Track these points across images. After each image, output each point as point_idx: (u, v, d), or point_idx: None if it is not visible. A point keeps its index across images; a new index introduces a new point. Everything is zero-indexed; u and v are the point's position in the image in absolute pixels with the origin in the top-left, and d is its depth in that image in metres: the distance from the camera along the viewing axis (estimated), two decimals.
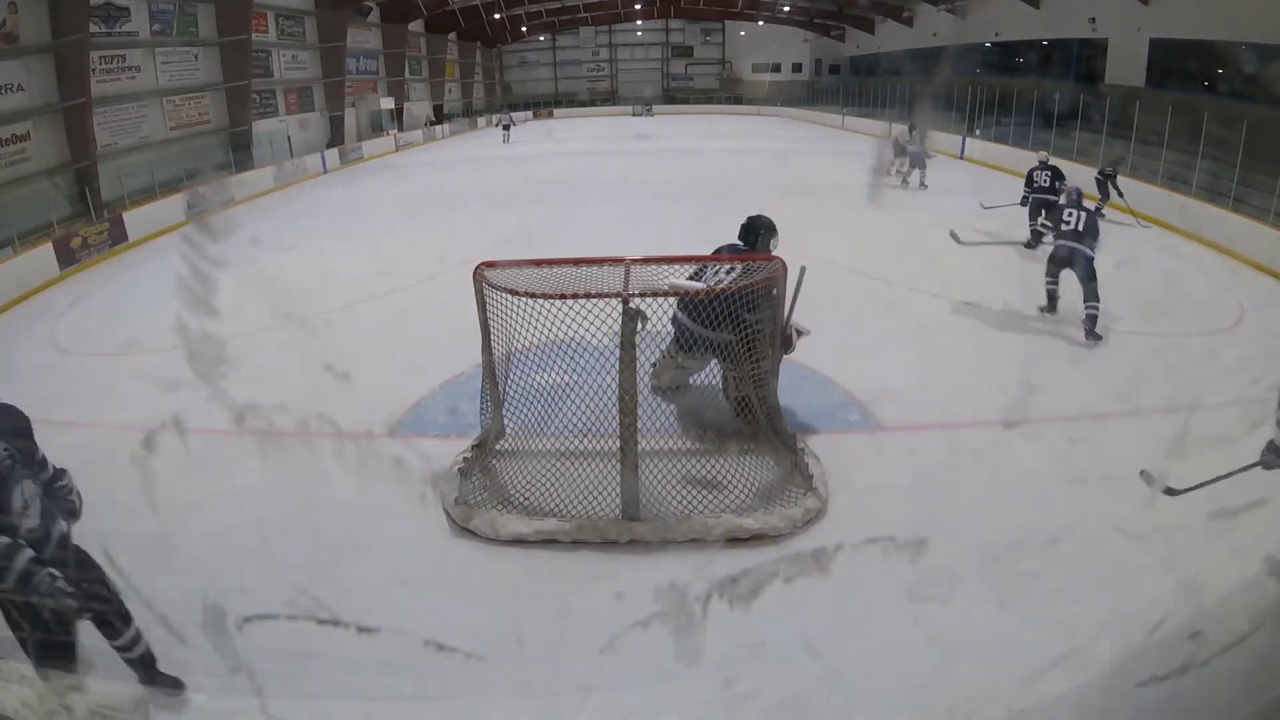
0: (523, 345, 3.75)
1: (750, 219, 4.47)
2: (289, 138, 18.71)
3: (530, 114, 34.28)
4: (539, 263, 3.93)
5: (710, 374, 4.46)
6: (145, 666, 2.47)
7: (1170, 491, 3.57)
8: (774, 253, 4.14)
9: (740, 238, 4.44)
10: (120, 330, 6.80)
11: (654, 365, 4.27)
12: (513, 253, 4.46)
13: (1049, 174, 8.63)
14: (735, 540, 3.36)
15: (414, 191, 14.78)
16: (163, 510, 3.42)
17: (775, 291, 3.88)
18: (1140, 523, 3.33)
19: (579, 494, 3.57)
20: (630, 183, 14.09)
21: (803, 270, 4.07)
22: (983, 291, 6.79)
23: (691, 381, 4.57)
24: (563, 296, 3.58)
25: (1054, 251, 6.06)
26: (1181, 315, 6.36)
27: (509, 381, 4.01)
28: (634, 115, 33.65)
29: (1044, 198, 8.34)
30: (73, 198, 11.71)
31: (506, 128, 25.33)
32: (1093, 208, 6.39)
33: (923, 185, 12.30)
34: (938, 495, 3.70)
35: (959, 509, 3.53)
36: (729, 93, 35.74)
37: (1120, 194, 10.07)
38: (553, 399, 3.90)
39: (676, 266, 3.97)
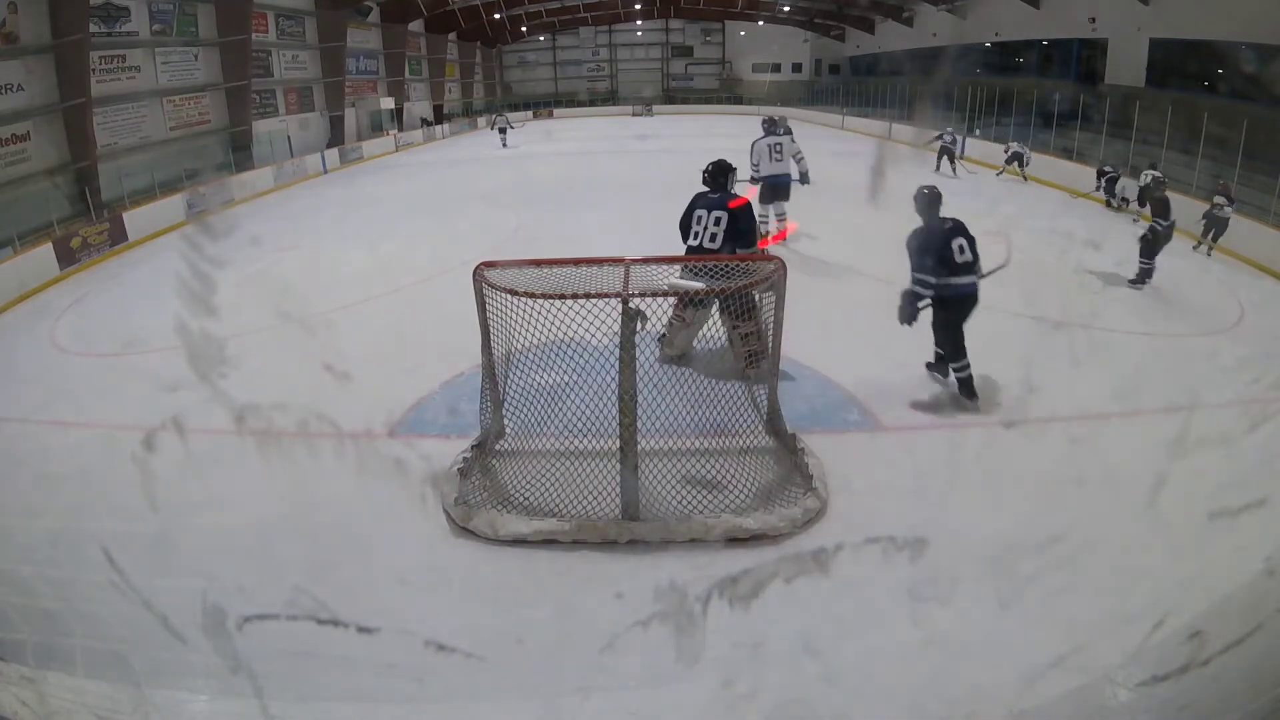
0: (522, 345, 3.75)
1: (714, 164, 4.96)
2: (289, 138, 18.71)
3: (530, 114, 34.25)
4: (539, 263, 3.94)
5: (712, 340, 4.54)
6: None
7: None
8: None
9: (709, 183, 4.93)
10: (120, 330, 6.80)
11: (661, 338, 4.43)
12: (512, 253, 4.47)
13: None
14: (735, 540, 3.36)
15: (414, 191, 14.78)
16: (163, 510, 3.42)
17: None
18: (1140, 522, 3.33)
19: (579, 494, 3.57)
20: (630, 183, 14.09)
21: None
22: (983, 291, 6.78)
23: (695, 346, 4.90)
24: (562, 296, 3.58)
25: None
26: (1181, 315, 6.37)
27: (509, 381, 4.01)
28: (634, 115, 33.62)
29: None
30: (73, 198, 11.72)
31: (503, 130, 22.73)
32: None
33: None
34: (938, 495, 3.70)
35: (959, 509, 3.53)
36: (729, 93, 35.72)
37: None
38: (552, 399, 3.90)
39: (676, 266, 3.98)
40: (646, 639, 2.52)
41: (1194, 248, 8.85)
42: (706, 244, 4.66)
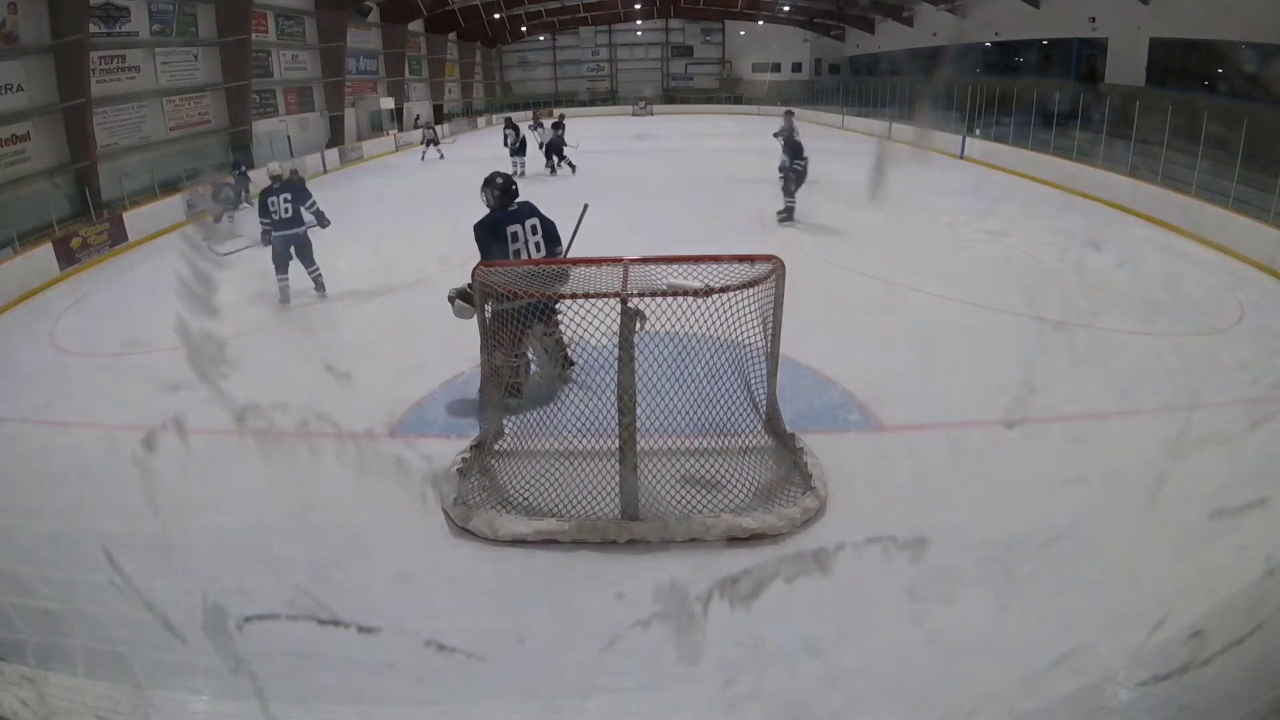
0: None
1: (503, 179, 4.66)
2: (289, 138, 18.70)
3: (530, 113, 34.25)
4: (538, 262, 3.94)
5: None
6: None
7: None
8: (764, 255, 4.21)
9: (501, 200, 4.61)
10: (120, 330, 6.80)
11: (508, 391, 4.32)
12: None
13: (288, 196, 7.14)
14: (735, 540, 3.36)
15: (414, 191, 14.79)
16: (163, 510, 3.42)
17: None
18: (1140, 522, 3.33)
19: (578, 494, 3.57)
20: (630, 182, 14.09)
21: (585, 207, 4.84)
22: (983, 291, 6.80)
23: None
24: (561, 297, 3.59)
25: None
26: (1181, 315, 6.37)
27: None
28: (634, 115, 33.60)
29: (285, 233, 7.12)
30: (73, 198, 11.71)
31: (431, 143, 19.82)
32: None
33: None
34: (938, 495, 3.71)
35: (959, 509, 3.53)
36: (729, 92, 35.70)
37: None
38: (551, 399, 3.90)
39: (675, 266, 3.97)
40: (647, 639, 2.52)
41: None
42: (534, 254, 4.53)
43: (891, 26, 26.14)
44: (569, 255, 4.64)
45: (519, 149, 15.16)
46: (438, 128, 22.21)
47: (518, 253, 4.49)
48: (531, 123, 16.18)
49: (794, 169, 9.40)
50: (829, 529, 3.47)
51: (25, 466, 4.43)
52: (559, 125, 16.09)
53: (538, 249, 4.51)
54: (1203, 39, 13.04)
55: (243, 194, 13.21)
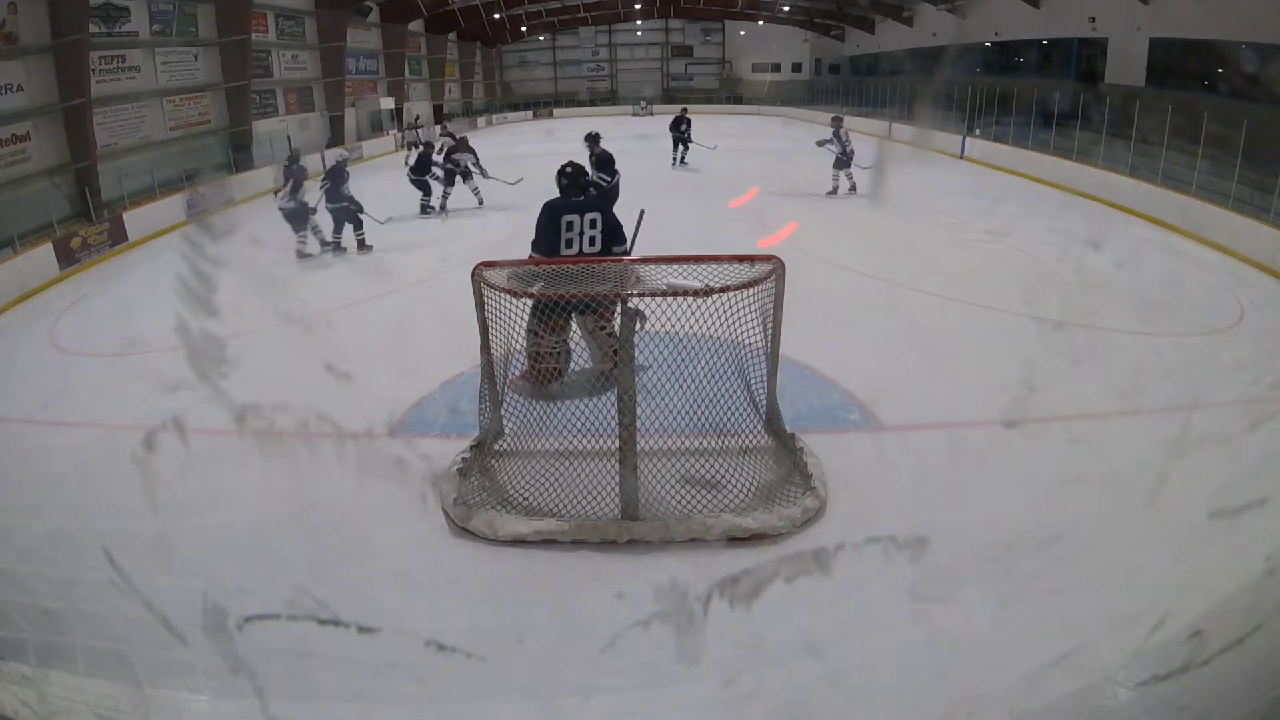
0: (522, 345, 3.75)
1: (571, 168, 4.73)
2: (289, 138, 18.69)
3: (530, 113, 34.27)
4: (538, 263, 3.94)
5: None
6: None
7: None
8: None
9: (569, 189, 4.66)
10: (120, 330, 6.80)
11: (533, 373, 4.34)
12: (512, 253, 4.47)
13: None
14: (735, 540, 3.36)
15: (413, 191, 14.76)
16: (163, 510, 3.42)
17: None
18: (1140, 522, 3.33)
19: (578, 494, 3.57)
20: (630, 183, 14.07)
21: (642, 212, 4.92)
22: (983, 291, 6.80)
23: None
24: (561, 296, 3.59)
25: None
26: (1181, 315, 6.37)
27: (508, 381, 4.01)
28: (634, 115, 33.59)
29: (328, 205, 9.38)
30: (73, 198, 11.69)
31: (413, 146, 17.32)
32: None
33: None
34: (938, 495, 3.71)
35: (959, 508, 3.53)
36: (729, 92, 35.71)
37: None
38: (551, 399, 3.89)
39: (675, 266, 3.98)
40: (647, 639, 2.53)
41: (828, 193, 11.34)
42: (586, 249, 4.56)
43: (891, 26, 26.13)
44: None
45: (464, 175, 12.46)
46: (421, 130, 20.49)
47: (570, 242, 4.55)
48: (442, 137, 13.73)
49: (601, 182, 8.15)
50: (829, 529, 3.47)
51: (25, 466, 4.43)
52: (681, 121, 14.79)
53: (592, 243, 4.57)
54: (1203, 39, 13.03)
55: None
